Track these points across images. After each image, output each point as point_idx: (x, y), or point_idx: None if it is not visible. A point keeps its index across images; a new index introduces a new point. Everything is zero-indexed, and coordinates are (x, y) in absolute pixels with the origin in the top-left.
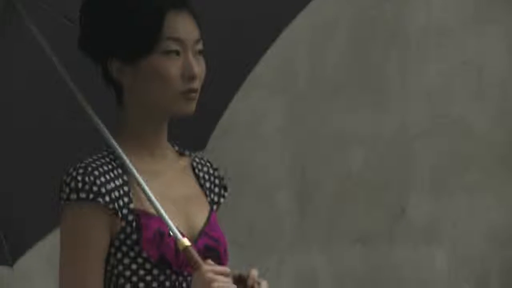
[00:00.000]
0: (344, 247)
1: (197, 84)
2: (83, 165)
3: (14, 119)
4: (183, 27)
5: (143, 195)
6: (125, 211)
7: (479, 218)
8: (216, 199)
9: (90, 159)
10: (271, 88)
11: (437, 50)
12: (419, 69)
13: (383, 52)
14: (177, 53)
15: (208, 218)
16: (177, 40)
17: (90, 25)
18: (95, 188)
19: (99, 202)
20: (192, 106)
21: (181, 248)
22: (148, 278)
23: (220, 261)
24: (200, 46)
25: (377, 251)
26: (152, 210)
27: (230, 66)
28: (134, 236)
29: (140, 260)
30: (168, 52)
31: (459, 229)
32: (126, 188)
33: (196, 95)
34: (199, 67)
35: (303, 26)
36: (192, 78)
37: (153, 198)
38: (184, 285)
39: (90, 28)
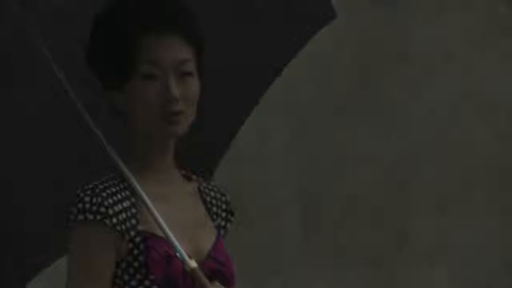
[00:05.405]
0: (348, 270)
1: (178, 107)
2: (90, 186)
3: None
4: (163, 50)
5: (150, 217)
6: (132, 233)
7: (484, 240)
8: (223, 223)
9: (98, 181)
10: (274, 108)
11: (441, 72)
12: (423, 91)
13: (387, 73)
14: (156, 76)
15: (215, 242)
16: (155, 63)
17: (87, 53)
18: (102, 210)
19: (106, 223)
20: (176, 128)
21: (188, 270)
22: None
23: (227, 285)
24: (188, 67)
25: (381, 274)
26: (159, 232)
27: (239, 95)
28: (141, 258)
29: (147, 283)
30: (146, 76)
31: (464, 252)
32: (133, 210)
33: (179, 118)
34: (183, 89)
35: (307, 46)
36: (170, 101)
37: (160, 220)
38: None
39: (87, 56)
